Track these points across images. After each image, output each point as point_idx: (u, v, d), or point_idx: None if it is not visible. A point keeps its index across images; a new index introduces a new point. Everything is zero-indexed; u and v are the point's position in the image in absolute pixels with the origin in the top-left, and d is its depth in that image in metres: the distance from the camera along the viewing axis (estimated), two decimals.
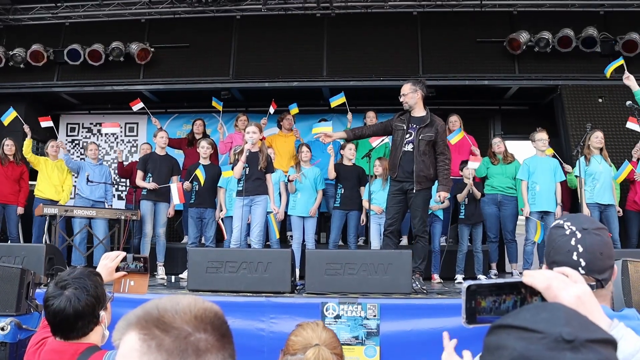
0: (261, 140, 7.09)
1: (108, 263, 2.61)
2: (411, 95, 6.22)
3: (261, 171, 6.87)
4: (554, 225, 1.77)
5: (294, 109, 8.57)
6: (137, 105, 8.58)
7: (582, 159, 7.26)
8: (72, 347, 2.22)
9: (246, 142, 6.69)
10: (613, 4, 9.13)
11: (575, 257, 1.64)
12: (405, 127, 6.22)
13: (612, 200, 7.38)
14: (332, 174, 7.70)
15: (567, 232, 1.70)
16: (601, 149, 7.48)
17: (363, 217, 7.71)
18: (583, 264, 1.64)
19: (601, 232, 1.73)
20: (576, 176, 7.25)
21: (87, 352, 2.21)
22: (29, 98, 9.87)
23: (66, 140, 10.14)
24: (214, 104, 8.74)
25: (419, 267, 6.19)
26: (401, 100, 6.32)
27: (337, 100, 8.15)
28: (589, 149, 7.41)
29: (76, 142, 10.77)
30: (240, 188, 6.82)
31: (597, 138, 7.39)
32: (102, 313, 2.28)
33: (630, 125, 7.29)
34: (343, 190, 7.73)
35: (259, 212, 6.83)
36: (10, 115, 8.29)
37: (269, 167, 6.98)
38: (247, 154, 6.68)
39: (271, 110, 8.43)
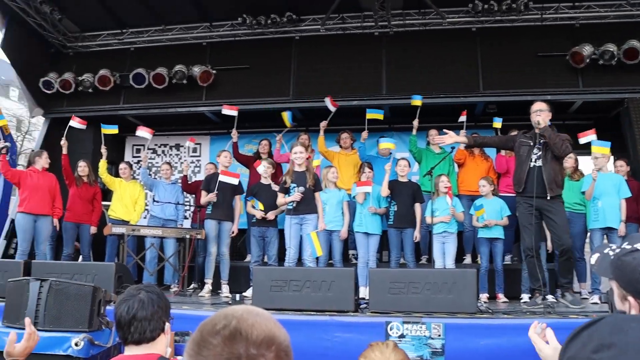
0: (307, 159, 7.16)
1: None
2: (547, 114, 6.38)
3: (310, 189, 6.93)
4: (627, 252, 1.68)
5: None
6: (231, 112, 8.75)
7: None
8: (144, 359, 2.29)
9: (292, 184, 6.95)
10: None
11: None
12: (532, 144, 6.35)
13: None
14: (385, 191, 7.57)
15: None
16: None
17: (416, 234, 7.59)
18: None
19: None
20: None
21: None
22: (96, 121, 10.21)
23: (132, 161, 10.39)
24: (284, 115, 8.81)
25: (570, 281, 6.44)
26: (536, 116, 6.37)
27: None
28: None
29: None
30: (291, 207, 6.86)
31: None
32: (167, 324, 2.36)
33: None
34: (397, 207, 7.63)
35: (310, 231, 6.91)
36: (112, 130, 8.75)
37: (317, 185, 7.04)
38: (292, 205, 6.89)
39: (331, 107, 8.53)
